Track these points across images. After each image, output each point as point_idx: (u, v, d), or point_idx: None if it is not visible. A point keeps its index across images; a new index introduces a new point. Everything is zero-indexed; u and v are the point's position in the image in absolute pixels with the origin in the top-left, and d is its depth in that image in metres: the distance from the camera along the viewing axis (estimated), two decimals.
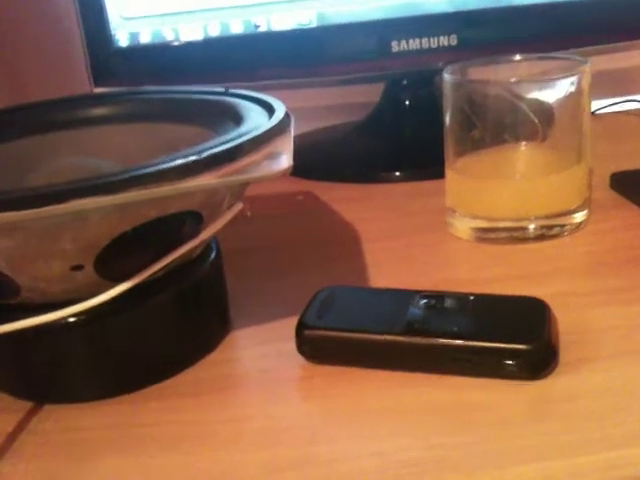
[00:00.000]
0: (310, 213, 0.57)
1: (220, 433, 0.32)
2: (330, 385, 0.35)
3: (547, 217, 0.47)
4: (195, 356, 0.38)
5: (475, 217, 0.48)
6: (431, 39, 0.59)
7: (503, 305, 0.37)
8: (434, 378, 0.34)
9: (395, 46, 0.59)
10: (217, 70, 0.61)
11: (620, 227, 0.48)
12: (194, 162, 0.31)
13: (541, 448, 0.29)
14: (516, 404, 0.32)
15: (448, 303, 0.37)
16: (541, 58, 0.50)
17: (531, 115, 0.47)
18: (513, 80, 0.47)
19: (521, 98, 0.46)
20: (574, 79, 0.46)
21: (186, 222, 0.35)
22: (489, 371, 0.34)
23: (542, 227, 0.47)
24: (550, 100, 0.47)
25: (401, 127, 0.66)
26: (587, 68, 0.46)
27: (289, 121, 0.37)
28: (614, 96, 0.75)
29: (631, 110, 0.74)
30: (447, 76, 0.48)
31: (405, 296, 0.38)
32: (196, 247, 0.36)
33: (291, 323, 0.36)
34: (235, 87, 0.44)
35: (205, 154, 0.31)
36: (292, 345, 0.37)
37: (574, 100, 0.47)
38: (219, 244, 0.41)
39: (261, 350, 0.38)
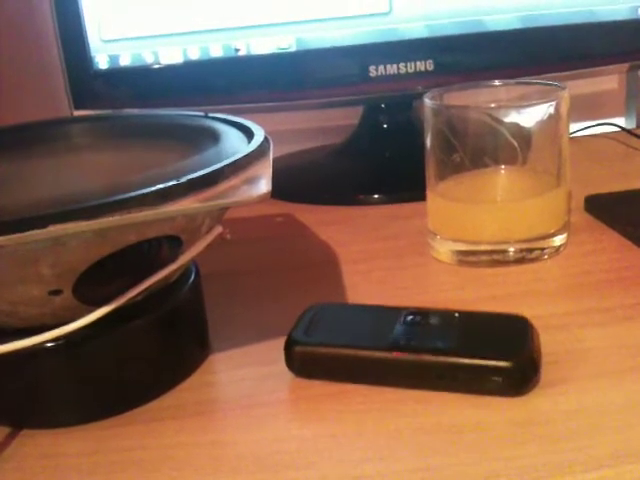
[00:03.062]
0: (289, 236, 0.57)
1: (200, 457, 0.32)
2: (313, 408, 0.35)
3: (527, 240, 0.48)
4: (174, 380, 0.37)
5: (456, 240, 0.49)
6: (408, 64, 0.60)
7: (487, 322, 0.37)
8: (420, 396, 0.35)
9: (373, 71, 0.60)
10: (197, 93, 0.61)
11: (596, 250, 0.49)
12: (175, 186, 0.31)
13: (520, 471, 0.29)
14: (498, 424, 0.32)
15: (433, 320, 0.37)
16: (519, 83, 0.51)
17: (510, 139, 0.48)
18: (493, 105, 0.48)
19: (500, 122, 0.47)
20: (553, 104, 0.47)
21: (165, 246, 0.35)
22: (474, 387, 0.34)
23: (522, 250, 0.47)
24: (529, 124, 0.48)
25: (380, 150, 0.67)
26: (565, 93, 0.47)
27: (268, 146, 0.37)
28: (587, 120, 0.77)
29: (603, 133, 0.76)
30: (427, 101, 0.48)
31: (391, 312, 0.38)
32: (175, 271, 0.36)
33: (272, 346, 0.37)
34: (215, 110, 0.44)
35: (185, 178, 0.32)
36: (274, 367, 0.37)
37: (552, 125, 0.47)
38: (198, 267, 0.41)
39: (242, 373, 0.38)
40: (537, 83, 0.50)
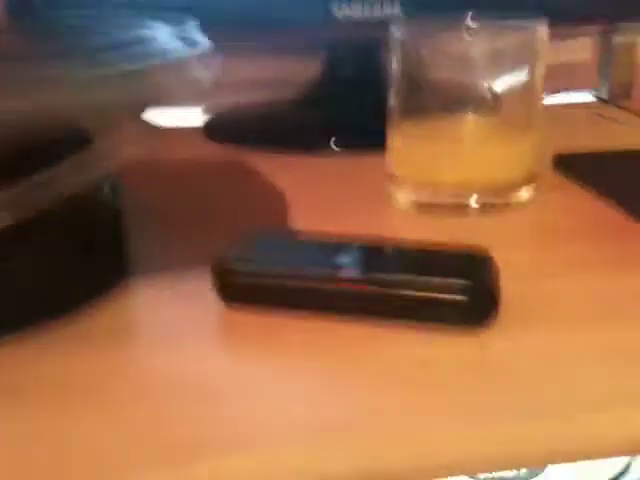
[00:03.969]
0: (236, 179, 0.52)
1: (113, 384, 0.28)
2: (246, 334, 0.31)
3: (491, 190, 0.44)
4: (84, 301, 0.33)
5: (416, 184, 0.45)
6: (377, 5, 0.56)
7: (443, 255, 0.34)
8: (365, 331, 0.31)
9: (338, 11, 0.56)
10: None
11: (565, 206, 0.45)
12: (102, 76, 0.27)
13: (465, 413, 0.26)
14: (448, 363, 0.29)
15: (385, 253, 0.34)
16: (494, 21, 0.47)
17: (483, 83, 0.44)
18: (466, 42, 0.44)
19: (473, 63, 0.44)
20: (528, 42, 0.43)
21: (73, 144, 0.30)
22: (426, 321, 0.31)
23: (485, 204, 0.44)
24: (502, 68, 0.44)
25: (343, 102, 0.62)
26: (542, 32, 0.43)
27: (205, 45, 0.33)
28: (559, 90, 0.74)
29: (576, 103, 0.73)
30: (396, 31, 0.44)
31: (338, 244, 0.34)
32: (85, 171, 0.31)
33: (200, 274, 0.32)
34: None
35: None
36: (203, 295, 0.33)
37: (528, 67, 0.44)
38: (121, 187, 0.36)
39: (163, 299, 0.34)
40: (513, 21, 0.46)
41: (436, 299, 0.30)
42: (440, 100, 0.44)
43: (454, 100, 0.44)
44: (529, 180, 0.45)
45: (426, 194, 0.45)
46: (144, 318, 0.33)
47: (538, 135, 0.45)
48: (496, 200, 0.44)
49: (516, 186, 0.45)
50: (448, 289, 0.30)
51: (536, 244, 0.41)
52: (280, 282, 0.32)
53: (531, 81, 0.44)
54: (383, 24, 0.48)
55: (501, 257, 0.33)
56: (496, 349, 0.30)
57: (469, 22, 0.46)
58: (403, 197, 0.45)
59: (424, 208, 0.45)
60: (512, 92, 0.44)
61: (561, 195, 0.47)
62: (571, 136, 0.61)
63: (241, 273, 0.32)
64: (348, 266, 0.32)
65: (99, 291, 0.34)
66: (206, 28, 0.55)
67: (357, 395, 0.27)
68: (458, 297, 0.30)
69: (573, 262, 0.38)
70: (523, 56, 0.44)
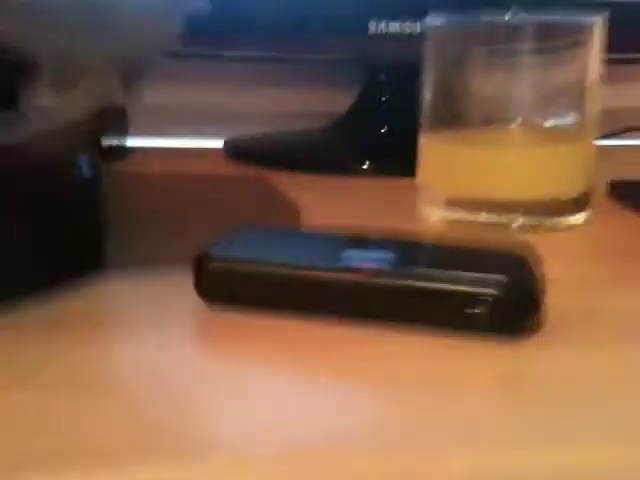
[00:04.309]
0: (253, 193, 0.48)
1: (77, 375, 0.23)
2: (226, 333, 0.26)
3: (538, 210, 0.38)
4: (58, 284, 0.29)
5: (451, 200, 0.39)
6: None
7: (473, 254, 0.28)
8: (368, 333, 0.25)
9: (372, 27, 0.52)
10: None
11: (619, 231, 0.39)
12: None
13: (493, 436, 0.20)
14: (475, 375, 0.23)
15: (400, 248, 0.28)
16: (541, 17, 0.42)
17: (530, 90, 0.39)
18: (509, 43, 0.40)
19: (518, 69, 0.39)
20: (582, 40, 0.38)
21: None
22: (448, 324, 0.25)
23: (530, 225, 0.38)
24: (552, 71, 0.39)
25: (377, 124, 0.58)
26: (598, 25, 0.38)
27: None
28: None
29: None
30: (431, 30, 0.40)
31: (345, 237, 0.29)
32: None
33: (184, 271, 0.28)
34: None
35: None
36: (183, 288, 0.28)
37: (581, 66, 0.39)
38: (100, 167, 0.32)
39: (140, 291, 0.29)
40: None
41: (463, 294, 0.24)
42: (480, 109, 0.40)
43: (496, 109, 0.40)
44: (581, 202, 0.40)
45: (461, 211, 0.40)
46: (114, 309, 0.28)
47: (592, 148, 0.40)
48: (542, 222, 0.39)
49: (566, 208, 0.39)
50: (479, 283, 0.25)
51: (585, 262, 0.35)
52: (268, 276, 0.26)
53: (584, 85, 0.39)
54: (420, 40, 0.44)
55: (548, 271, 0.28)
56: (534, 365, 0.24)
57: (513, 19, 0.42)
58: (434, 214, 0.40)
59: (458, 227, 0.39)
60: (563, 99, 0.39)
61: (615, 221, 0.41)
62: (628, 165, 0.55)
63: (223, 267, 0.27)
64: (356, 257, 0.26)
65: (70, 277, 0.29)
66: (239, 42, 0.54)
67: (347, 407, 0.21)
68: (491, 291, 0.24)
69: (625, 281, 0.32)
70: (576, 57, 0.39)
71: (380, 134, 0.57)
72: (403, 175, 0.48)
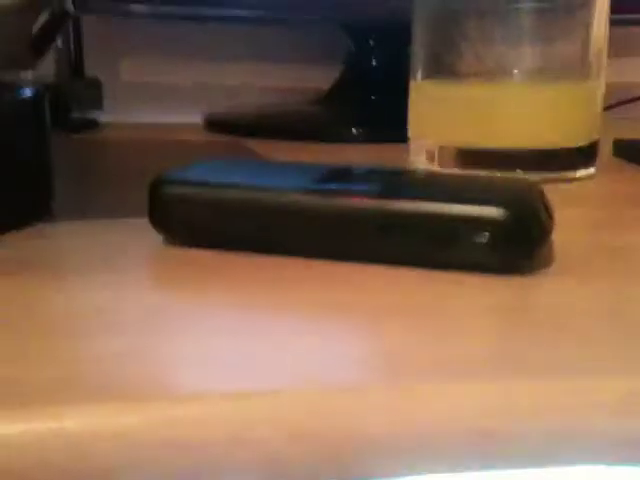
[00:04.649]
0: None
1: (25, 316, 0.19)
2: (175, 276, 0.22)
3: (540, 161, 0.35)
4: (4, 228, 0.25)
5: (444, 153, 0.36)
6: None
7: (473, 180, 0.25)
8: (344, 267, 0.22)
9: None
10: None
11: (628, 182, 0.36)
12: None
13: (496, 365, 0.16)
14: (486, 310, 0.19)
15: (385, 174, 0.24)
16: None
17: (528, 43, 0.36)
18: None
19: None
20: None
21: None
22: (447, 253, 0.21)
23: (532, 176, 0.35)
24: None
25: (366, 93, 0.55)
26: None
27: None
28: None
29: None
30: None
31: (322, 166, 0.25)
32: None
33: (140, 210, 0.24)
34: None
35: None
36: (139, 229, 0.24)
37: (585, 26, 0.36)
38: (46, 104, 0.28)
39: (89, 231, 0.26)
40: None
41: (467, 217, 0.21)
42: (474, 58, 0.37)
43: (492, 59, 0.36)
44: (587, 154, 0.36)
45: (455, 165, 0.36)
46: (66, 249, 0.25)
47: (597, 94, 0.36)
48: (545, 176, 0.35)
49: (571, 160, 0.36)
50: (483, 201, 0.21)
51: (595, 206, 0.32)
52: (230, 201, 0.22)
53: (588, 20, 0.36)
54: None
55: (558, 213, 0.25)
56: (547, 298, 0.21)
57: None
58: (426, 169, 0.37)
59: None
60: (564, 36, 0.36)
61: (620, 176, 0.38)
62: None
63: (180, 194, 0.23)
64: (329, 182, 0.23)
65: (19, 220, 0.26)
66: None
67: (318, 344, 0.18)
68: (497, 211, 0.20)
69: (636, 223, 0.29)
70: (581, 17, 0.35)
71: (370, 101, 0.53)
72: (395, 141, 0.45)
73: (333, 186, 0.22)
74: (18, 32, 0.24)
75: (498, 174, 0.34)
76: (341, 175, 0.24)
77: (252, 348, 0.17)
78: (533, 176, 0.34)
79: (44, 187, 0.28)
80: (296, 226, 0.22)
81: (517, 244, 0.21)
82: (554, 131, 0.35)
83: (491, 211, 0.20)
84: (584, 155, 0.36)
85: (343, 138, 0.49)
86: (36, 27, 0.24)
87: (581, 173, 0.36)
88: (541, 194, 0.23)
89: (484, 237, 0.20)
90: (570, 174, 0.36)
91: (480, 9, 0.36)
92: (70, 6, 0.23)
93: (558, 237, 0.24)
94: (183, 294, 0.20)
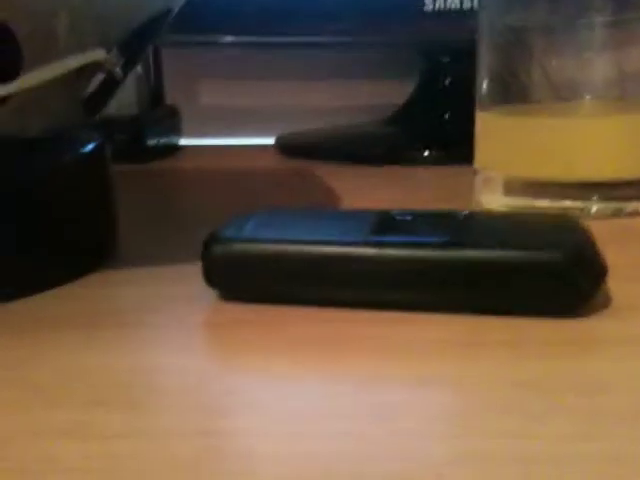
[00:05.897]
0: (298, 187, 0.44)
1: (77, 386, 0.19)
2: (233, 335, 0.22)
3: (616, 192, 0.33)
4: (58, 281, 0.26)
5: (511, 183, 0.34)
6: None
7: (526, 220, 0.25)
8: (410, 317, 0.22)
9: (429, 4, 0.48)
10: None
11: None
12: None
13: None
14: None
15: (440, 220, 0.24)
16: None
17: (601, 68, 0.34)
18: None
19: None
20: None
21: None
22: (508, 302, 0.22)
23: (607, 208, 0.33)
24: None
25: (438, 111, 0.53)
26: None
27: None
28: None
29: None
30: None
31: (376, 213, 0.25)
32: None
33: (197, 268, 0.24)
34: None
35: None
36: (195, 287, 0.25)
37: None
38: (105, 146, 0.29)
39: (149, 290, 0.26)
40: None
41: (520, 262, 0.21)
42: (544, 84, 0.35)
43: (566, 83, 0.35)
44: None
45: (523, 196, 0.35)
46: (118, 303, 0.25)
47: None
48: (621, 206, 0.33)
49: None
50: (537, 245, 0.22)
51: None
52: (285, 256, 0.23)
53: None
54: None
55: (617, 258, 0.23)
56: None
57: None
58: (493, 200, 0.35)
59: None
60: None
61: None
62: None
63: (236, 251, 0.23)
64: (384, 233, 0.23)
65: (77, 274, 0.27)
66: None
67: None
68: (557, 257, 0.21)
69: None
70: None
71: (442, 120, 0.52)
72: (467, 163, 0.44)
73: (392, 237, 0.23)
74: (69, 98, 0.25)
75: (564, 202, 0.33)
76: (397, 223, 0.24)
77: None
78: (608, 206, 0.33)
79: (108, 235, 0.29)
80: (357, 279, 0.22)
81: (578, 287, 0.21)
82: (630, 162, 0.33)
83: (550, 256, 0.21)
84: None
85: (414, 161, 0.48)
86: (87, 91, 0.25)
87: None
88: (590, 233, 0.23)
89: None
90: None
91: (550, 25, 0.35)
92: (119, 73, 0.24)
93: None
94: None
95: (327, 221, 0.25)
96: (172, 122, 0.58)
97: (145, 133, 0.53)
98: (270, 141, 0.57)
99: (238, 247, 0.23)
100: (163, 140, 0.55)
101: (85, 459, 0.16)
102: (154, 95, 0.57)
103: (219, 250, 0.23)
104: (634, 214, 0.33)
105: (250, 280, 0.23)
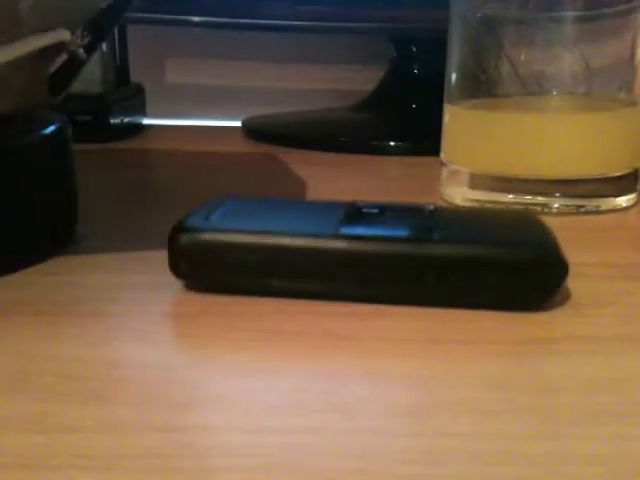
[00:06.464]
0: (261, 170, 0.44)
1: (32, 377, 0.19)
2: (197, 326, 0.21)
3: (579, 189, 0.33)
4: (15, 265, 0.25)
5: (477, 177, 0.35)
6: None
7: (490, 216, 0.26)
8: (377, 311, 0.22)
9: None
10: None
11: None
12: None
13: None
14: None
15: (407, 212, 0.25)
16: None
17: (578, 57, 0.34)
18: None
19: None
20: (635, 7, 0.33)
21: None
22: (474, 296, 0.22)
23: (569, 206, 0.33)
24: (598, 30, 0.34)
25: (407, 100, 0.54)
26: None
27: None
28: None
29: None
30: None
31: (342, 205, 0.25)
32: None
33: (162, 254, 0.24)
34: None
35: None
36: (158, 275, 0.24)
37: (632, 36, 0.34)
38: (67, 128, 0.28)
39: (109, 276, 0.25)
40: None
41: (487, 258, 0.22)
42: (513, 78, 0.35)
43: (534, 77, 0.35)
44: (628, 181, 0.35)
45: (488, 190, 0.35)
46: (74, 291, 0.25)
47: None
48: (584, 203, 0.34)
49: (612, 187, 0.34)
50: (503, 241, 0.23)
51: (625, 247, 0.30)
52: (252, 247, 0.22)
53: (634, 57, 0.34)
54: None
55: (577, 257, 0.24)
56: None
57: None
58: (458, 193, 0.36)
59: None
60: (610, 62, 0.35)
61: None
62: None
63: (200, 241, 0.23)
64: (354, 225, 0.23)
65: (34, 257, 0.26)
66: None
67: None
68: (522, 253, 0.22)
69: None
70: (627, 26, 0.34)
71: (411, 110, 0.52)
72: (435, 155, 0.44)
73: (361, 230, 0.23)
74: (34, 78, 0.24)
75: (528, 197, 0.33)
76: (365, 216, 0.24)
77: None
78: (570, 203, 0.33)
79: (68, 219, 0.28)
80: (326, 272, 0.22)
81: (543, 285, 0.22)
82: (598, 161, 0.34)
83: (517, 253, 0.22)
84: (625, 183, 0.34)
85: (382, 150, 0.48)
86: (52, 71, 0.25)
87: (620, 202, 0.34)
88: (551, 231, 0.24)
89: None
90: (609, 202, 0.34)
91: (520, 19, 0.35)
92: (82, 53, 0.23)
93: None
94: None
95: (295, 212, 0.25)
96: (137, 101, 0.57)
97: (109, 112, 0.52)
98: (237, 123, 0.57)
99: (204, 237, 0.23)
100: (128, 119, 0.54)
101: (36, 451, 0.15)
102: (120, 73, 0.56)
103: (185, 240, 0.23)
104: (595, 211, 0.33)
105: (217, 271, 0.23)
